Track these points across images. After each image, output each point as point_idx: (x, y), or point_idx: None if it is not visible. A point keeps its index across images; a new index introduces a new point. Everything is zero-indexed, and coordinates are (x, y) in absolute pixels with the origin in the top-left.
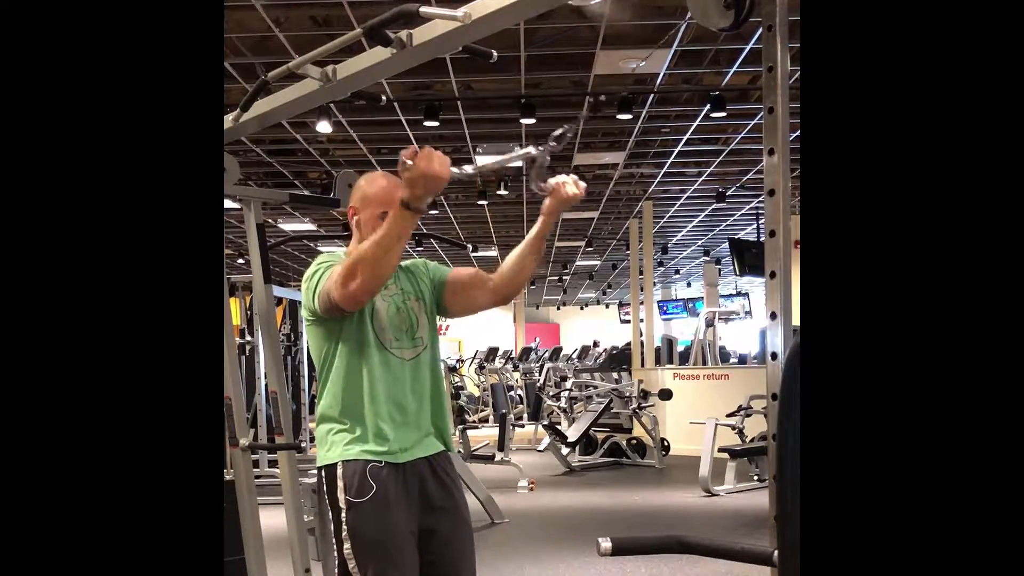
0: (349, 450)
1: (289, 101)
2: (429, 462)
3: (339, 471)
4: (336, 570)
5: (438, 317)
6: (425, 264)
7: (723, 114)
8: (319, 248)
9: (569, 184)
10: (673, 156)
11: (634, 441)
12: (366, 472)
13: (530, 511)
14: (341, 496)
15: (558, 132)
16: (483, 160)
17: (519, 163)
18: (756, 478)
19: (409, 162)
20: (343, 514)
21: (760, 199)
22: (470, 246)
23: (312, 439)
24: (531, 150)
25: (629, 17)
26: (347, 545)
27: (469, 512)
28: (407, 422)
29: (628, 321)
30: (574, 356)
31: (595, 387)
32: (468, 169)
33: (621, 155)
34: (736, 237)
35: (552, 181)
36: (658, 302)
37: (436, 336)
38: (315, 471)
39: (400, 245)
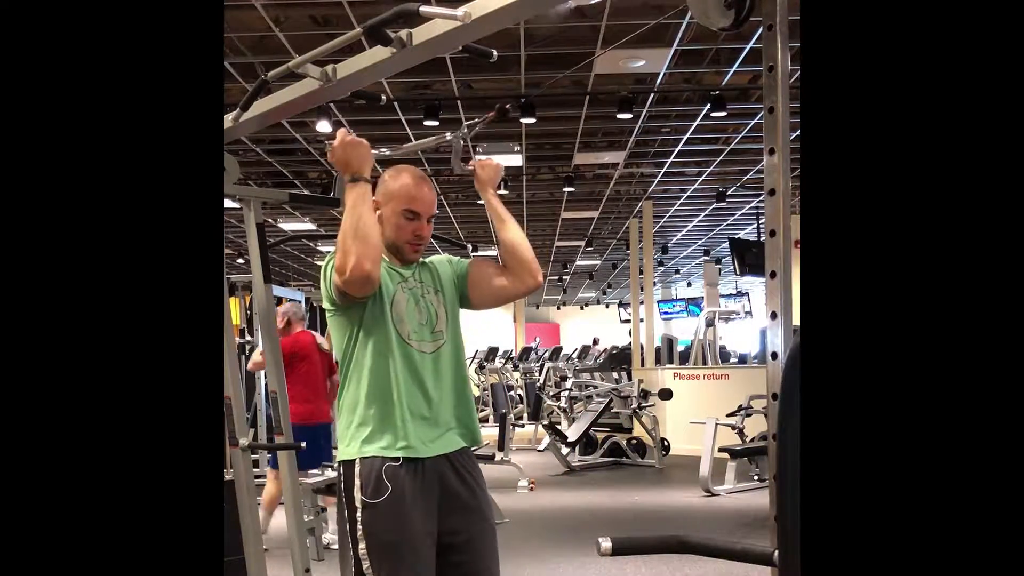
0: (367, 447)
1: (289, 101)
2: (449, 460)
3: (356, 468)
4: (353, 568)
5: (461, 311)
6: (448, 260)
7: (723, 114)
8: (319, 248)
9: (483, 160)
10: (673, 156)
11: (634, 441)
12: (382, 472)
13: (530, 511)
14: (357, 495)
15: (472, 122)
16: (405, 145)
17: (434, 146)
18: (756, 478)
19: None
20: (358, 513)
21: (760, 199)
22: (470, 246)
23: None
24: (447, 135)
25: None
26: (362, 545)
27: (492, 512)
28: (428, 416)
29: (628, 321)
30: (574, 356)
31: (595, 387)
32: (385, 151)
33: (621, 155)
34: (736, 237)
35: (473, 160)
36: (659, 302)
37: (458, 330)
38: (315, 471)
39: (366, 215)
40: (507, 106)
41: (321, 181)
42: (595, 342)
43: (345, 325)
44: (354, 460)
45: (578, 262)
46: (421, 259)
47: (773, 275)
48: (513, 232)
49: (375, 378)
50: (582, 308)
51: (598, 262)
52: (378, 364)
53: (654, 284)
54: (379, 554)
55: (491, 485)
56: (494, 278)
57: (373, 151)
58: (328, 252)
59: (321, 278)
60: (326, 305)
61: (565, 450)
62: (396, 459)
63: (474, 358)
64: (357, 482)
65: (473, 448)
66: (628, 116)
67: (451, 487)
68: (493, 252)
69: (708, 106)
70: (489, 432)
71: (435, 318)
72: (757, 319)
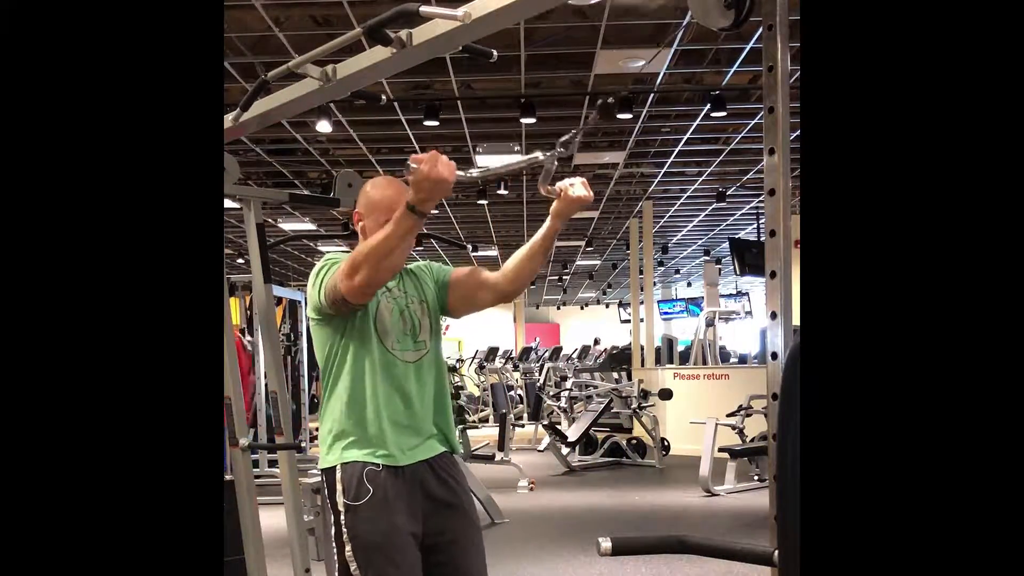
0: (348, 453)
1: (289, 101)
2: (430, 465)
3: (338, 474)
4: (337, 572)
5: (442, 318)
6: (428, 266)
7: (723, 114)
8: (319, 248)
9: (577, 186)
10: (673, 156)
11: (634, 441)
12: (363, 476)
13: (530, 511)
14: (340, 499)
15: (565, 138)
16: (490, 164)
17: (524, 167)
18: (756, 478)
19: (415, 166)
20: (342, 517)
21: (760, 199)
22: (470, 246)
23: (312, 439)
24: (538, 155)
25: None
26: (348, 548)
27: (476, 512)
28: (409, 425)
29: (628, 321)
30: (574, 356)
31: (595, 387)
32: (474, 173)
33: (621, 155)
34: (736, 237)
35: (560, 184)
36: (659, 302)
37: (439, 338)
38: (315, 471)
39: (404, 245)
40: (610, 100)
41: (321, 181)
42: (596, 342)
43: (329, 334)
44: (335, 467)
45: (578, 262)
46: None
47: (773, 275)
48: (539, 262)
49: (355, 388)
50: (582, 308)
51: (598, 262)
52: (358, 374)
53: (654, 284)
54: (365, 555)
55: (491, 485)
56: (473, 289)
57: (459, 172)
58: (324, 252)
59: (311, 285)
60: (311, 313)
61: (565, 450)
62: (377, 465)
63: (474, 358)
64: (339, 487)
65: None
66: (628, 116)
67: (432, 490)
68: (493, 252)
69: (708, 106)
70: (489, 432)
71: (418, 327)
72: (757, 319)
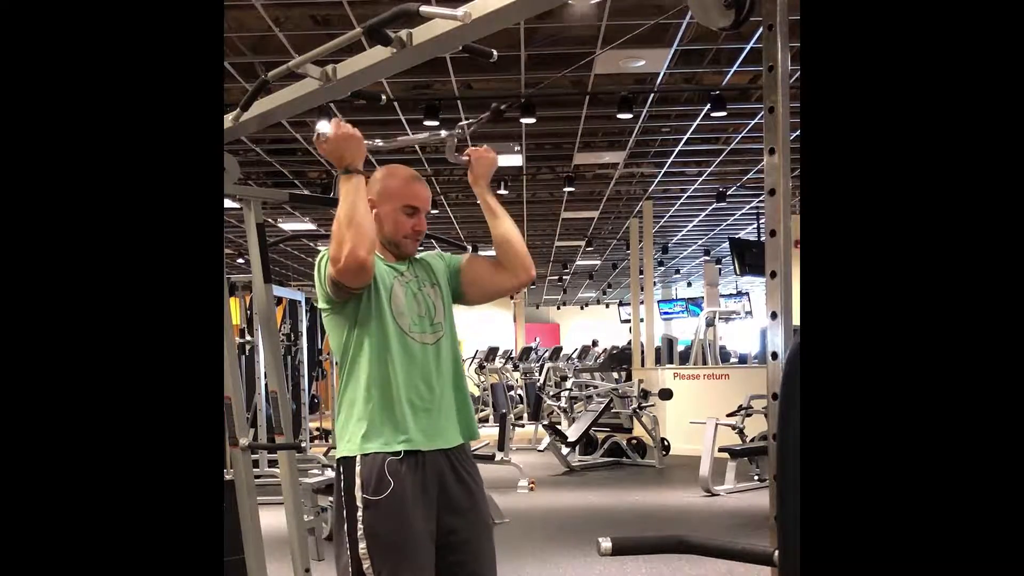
0: (368, 444)
1: (289, 100)
2: (448, 458)
3: (357, 467)
4: (349, 568)
5: (455, 306)
6: (440, 255)
7: (723, 114)
8: (319, 248)
9: (479, 150)
10: (673, 156)
11: (634, 441)
12: (384, 468)
13: (530, 511)
14: (358, 494)
15: (464, 122)
16: (400, 138)
17: (427, 141)
18: (756, 478)
19: (323, 132)
20: (359, 512)
21: (760, 199)
22: (470, 247)
23: (312, 439)
24: (442, 133)
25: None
26: (362, 545)
27: (489, 512)
28: (429, 408)
29: (628, 321)
30: (574, 356)
31: (595, 387)
32: (379, 142)
33: (621, 155)
34: (736, 237)
35: (469, 150)
36: (659, 302)
37: (454, 323)
38: (315, 471)
39: (360, 205)
40: (503, 107)
41: (321, 181)
42: (594, 344)
43: (342, 323)
44: (355, 457)
45: (578, 262)
46: (414, 256)
47: (773, 275)
48: (505, 226)
49: (374, 372)
50: (582, 308)
51: (598, 262)
52: (377, 358)
53: (654, 284)
54: (381, 554)
55: (491, 485)
56: (487, 273)
57: (366, 142)
58: (323, 250)
59: (315, 276)
60: (322, 305)
61: (565, 450)
62: (397, 453)
63: (474, 358)
64: (358, 480)
65: (471, 441)
66: (628, 116)
67: (449, 487)
68: (493, 252)
69: (708, 106)
70: (489, 432)
71: (434, 310)
72: (757, 319)
